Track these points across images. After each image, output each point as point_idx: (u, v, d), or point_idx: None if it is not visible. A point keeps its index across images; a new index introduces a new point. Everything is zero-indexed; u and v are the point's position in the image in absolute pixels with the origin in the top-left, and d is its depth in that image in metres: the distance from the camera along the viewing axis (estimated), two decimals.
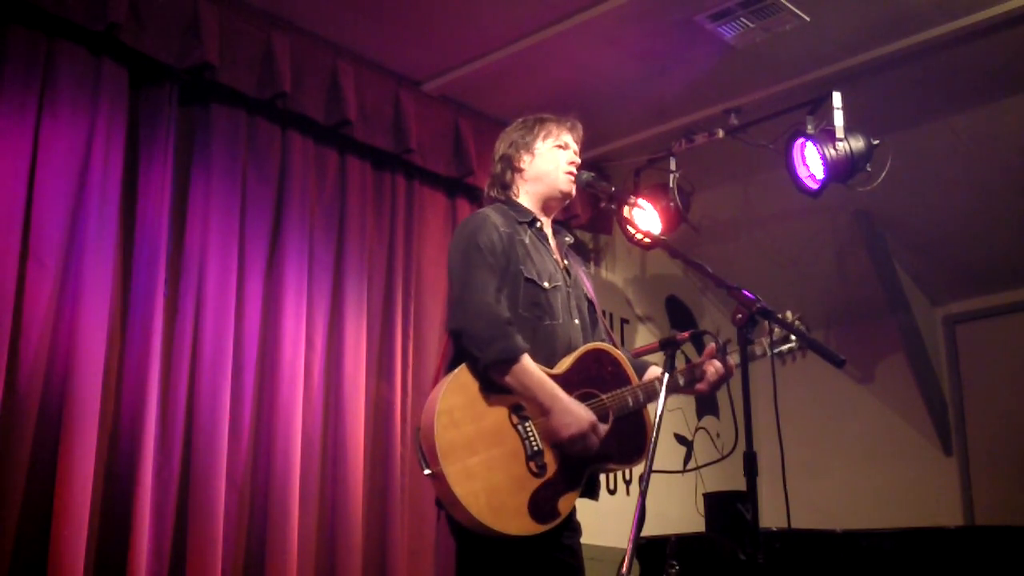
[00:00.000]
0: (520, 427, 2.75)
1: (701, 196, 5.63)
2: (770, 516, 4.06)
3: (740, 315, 2.58)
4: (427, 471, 2.66)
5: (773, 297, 2.85)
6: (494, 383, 2.76)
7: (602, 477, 3.10)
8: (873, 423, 6.19)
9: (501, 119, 4.40)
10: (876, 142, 4.61)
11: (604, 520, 3.86)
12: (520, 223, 3.03)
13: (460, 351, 2.80)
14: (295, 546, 4.02)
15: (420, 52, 4.77)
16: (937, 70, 4.78)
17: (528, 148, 3.14)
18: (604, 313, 4.98)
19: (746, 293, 2.60)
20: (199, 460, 3.85)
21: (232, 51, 4.20)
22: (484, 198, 3.23)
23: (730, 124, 4.99)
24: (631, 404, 2.90)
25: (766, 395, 2.84)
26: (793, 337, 3.08)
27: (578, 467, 2.80)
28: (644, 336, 6.18)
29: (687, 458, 6.12)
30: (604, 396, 2.88)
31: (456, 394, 2.73)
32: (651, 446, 2.53)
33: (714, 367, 2.98)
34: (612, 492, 5.62)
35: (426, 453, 2.67)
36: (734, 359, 2.96)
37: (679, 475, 5.70)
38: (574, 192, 3.16)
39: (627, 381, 2.96)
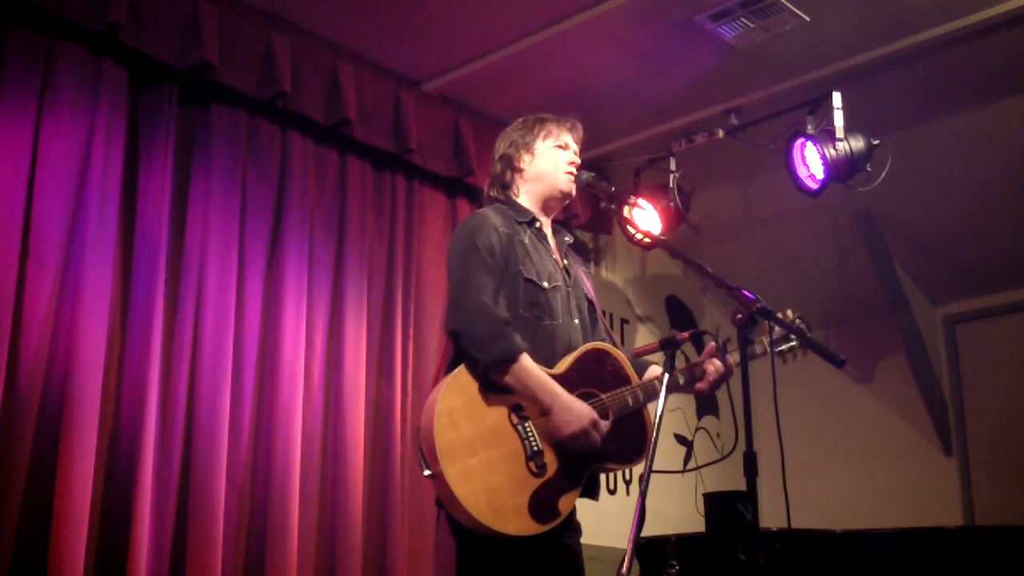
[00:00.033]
0: (520, 427, 2.75)
1: (701, 196, 5.63)
2: (770, 516, 4.06)
3: (740, 315, 2.58)
4: (427, 472, 2.66)
5: (773, 297, 2.85)
6: (493, 384, 2.76)
7: (602, 477, 3.10)
8: (873, 423, 6.19)
9: (501, 119, 4.39)
10: (876, 142, 4.61)
11: (604, 520, 3.86)
12: (519, 223, 3.03)
13: (460, 352, 2.80)
14: (295, 546, 4.02)
15: (420, 52, 4.77)
16: (937, 70, 4.78)
17: (528, 148, 3.14)
18: (604, 313, 4.98)
19: (746, 293, 2.60)
20: (199, 460, 3.85)
21: (232, 51, 4.20)
22: (484, 198, 3.23)
23: (730, 124, 4.99)
24: (631, 404, 2.90)
25: (766, 395, 2.84)
26: (793, 336, 3.08)
27: (578, 467, 2.80)
28: (644, 336, 6.18)
29: (687, 458, 6.13)
30: (604, 396, 2.88)
31: (455, 395, 2.73)
32: (651, 446, 2.53)
33: (714, 366, 2.98)
34: (612, 492, 5.62)
35: (426, 454, 2.67)
36: (734, 358, 2.96)
37: (679, 475, 5.70)
38: (574, 192, 3.16)
39: (627, 381, 2.96)
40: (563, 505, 2.74)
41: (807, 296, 5.85)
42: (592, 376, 2.91)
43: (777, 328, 3.04)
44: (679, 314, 6.49)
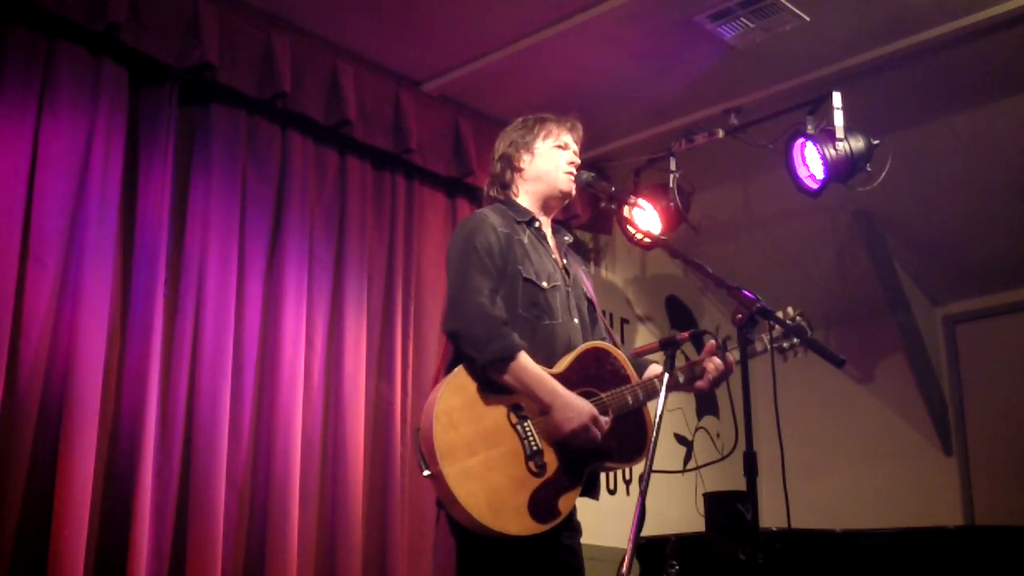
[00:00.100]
0: (519, 427, 2.75)
1: (701, 196, 5.63)
2: (770, 516, 4.06)
3: (740, 315, 2.58)
4: (426, 472, 2.66)
5: (773, 297, 2.85)
6: (492, 383, 2.76)
7: (602, 476, 3.10)
8: (873, 423, 6.19)
9: (501, 119, 4.39)
10: (876, 142, 4.61)
11: (604, 520, 3.86)
12: (519, 223, 3.03)
13: (459, 352, 2.80)
14: (295, 546, 4.02)
15: (420, 52, 4.77)
16: (937, 70, 4.78)
17: (528, 148, 3.14)
18: (604, 313, 4.98)
19: (746, 293, 2.60)
20: (199, 460, 3.85)
21: (232, 51, 4.20)
22: (484, 198, 3.23)
23: (730, 124, 4.99)
24: (631, 402, 2.90)
25: (766, 395, 2.84)
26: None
27: (578, 466, 2.80)
28: (644, 336, 6.18)
29: (687, 458, 6.12)
30: (604, 395, 2.88)
31: (454, 395, 2.73)
32: (651, 446, 2.53)
33: (714, 364, 2.98)
34: (612, 492, 5.62)
35: (425, 454, 2.67)
36: (734, 356, 2.96)
37: (679, 475, 5.70)
38: (574, 192, 3.16)
39: (627, 380, 2.96)
40: (563, 505, 2.74)
41: (807, 296, 5.85)
42: (592, 375, 2.91)
43: (777, 327, 3.04)
44: (679, 314, 6.49)
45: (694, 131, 5.10)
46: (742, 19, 4.46)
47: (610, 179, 5.47)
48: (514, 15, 4.47)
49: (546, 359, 2.85)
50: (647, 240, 5.43)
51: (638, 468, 2.88)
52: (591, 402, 2.82)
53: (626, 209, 5.18)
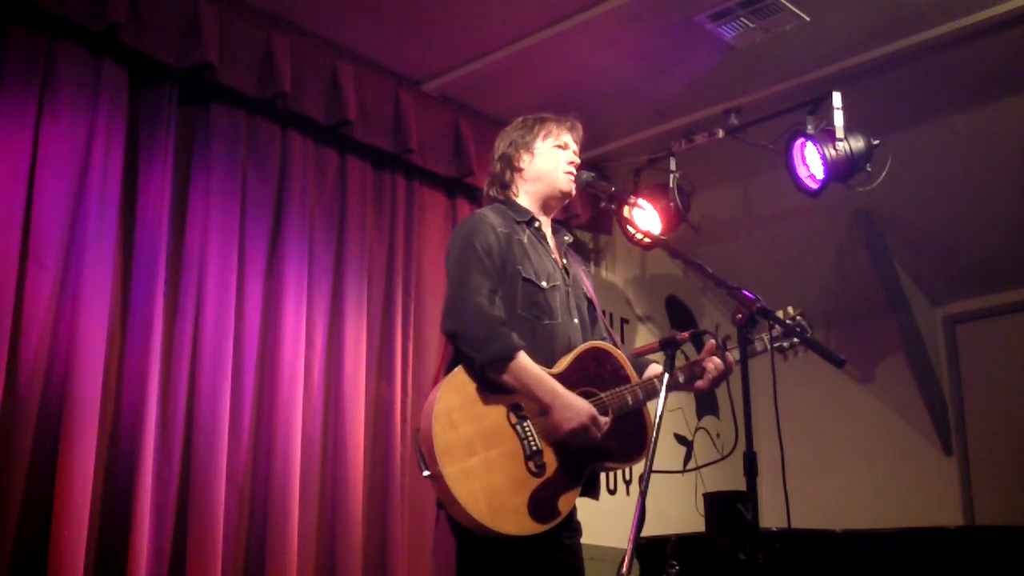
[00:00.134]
0: (519, 427, 2.75)
1: (701, 196, 5.63)
2: (770, 516, 4.06)
3: (740, 315, 2.58)
4: (426, 473, 2.66)
5: (773, 297, 2.85)
6: (492, 383, 2.76)
7: (602, 476, 3.10)
8: (873, 423, 6.19)
9: (501, 119, 4.39)
10: (876, 142, 4.61)
11: (604, 520, 3.86)
12: (518, 223, 3.03)
13: (459, 352, 2.80)
14: (295, 546, 4.02)
15: (420, 52, 4.77)
16: (937, 70, 4.78)
17: (528, 148, 3.14)
18: (604, 313, 4.98)
19: (746, 293, 2.60)
20: (199, 460, 3.86)
21: (232, 51, 4.20)
22: (483, 197, 3.23)
23: (730, 124, 4.99)
24: (631, 402, 2.90)
25: (766, 395, 2.84)
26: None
27: (578, 466, 2.80)
28: (644, 336, 6.18)
29: (687, 458, 6.12)
30: (603, 394, 2.88)
31: (454, 395, 2.73)
32: (651, 446, 2.53)
33: (714, 364, 2.98)
34: (612, 492, 5.62)
35: (425, 455, 2.67)
36: (734, 356, 2.96)
37: (679, 475, 5.70)
38: (574, 192, 3.16)
39: (626, 380, 2.96)
40: (563, 505, 2.74)
41: (807, 296, 5.85)
42: (591, 375, 2.91)
43: (777, 327, 3.04)
44: (679, 314, 6.49)
45: (694, 131, 5.11)
46: (742, 19, 4.46)
47: (610, 179, 5.47)
48: (514, 15, 4.47)
49: (546, 359, 2.85)
50: (647, 240, 5.43)
51: (638, 468, 2.88)
52: (591, 402, 2.82)
53: (626, 209, 5.18)
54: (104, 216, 3.78)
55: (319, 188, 4.59)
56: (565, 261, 3.12)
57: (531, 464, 2.73)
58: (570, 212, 5.25)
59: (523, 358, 2.75)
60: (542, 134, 3.14)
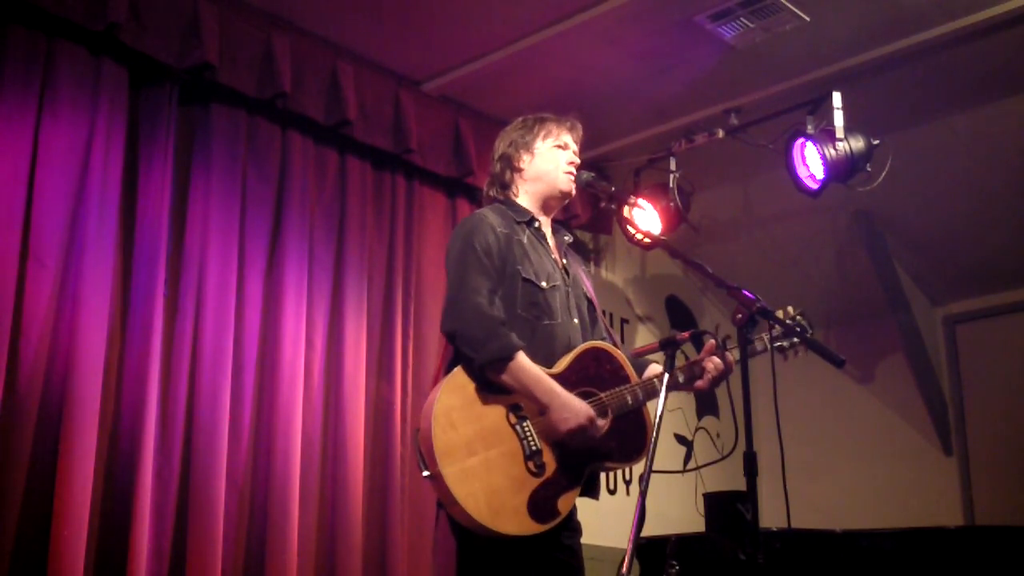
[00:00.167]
0: (518, 427, 2.75)
1: (701, 196, 5.63)
2: (770, 516, 4.06)
3: (740, 315, 2.58)
4: (426, 473, 2.66)
5: (773, 297, 2.85)
6: (491, 383, 2.76)
7: (602, 476, 3.10)
8: (873, 423, 6.19)
9: (501, 119, 4.39)
10: (876, 142, 4.61)
11: (604, 520, 3.86)
12: (518, 223, 3.03)
13: (458, 352, 2.80)
14: (295, 546, 4.02)
15: (420, 52, 4.77)
16: (937, 70, 4.78)
17: (528, 148, 3.13)
18: (604, 313, 4.98)
19: (746, 293, 2.60)
20: (199, 460, 3.86)
21: (232, 51, 4.20)
22: (483, 197, 3.23)
23: (730, 124, 4.99)
24: (630, 402, 2.90)
25: (766, 395, 2.84)
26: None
27: (577, 466, 2.80)
28: (644, 336, 6.18)
29: (687, 458, 6.12)
30: (603, 394, 2.88)
31: (453, 395, 2.73)
32: (651, 446, 2.53)
33: (713, 363, 2.98)
34: (612, 492, 5.62)
35: (424, 455, 2.67)
36: (733, 355, 2.96)
37: (679, 475, 5.70)
38: (574, 192, 3.16)
39: (626, 380, 2.96)
40: (562, 505, 2.74)
41: (807, 296, 5.85)
42: (591, 375, 2.91)
43: (777, 327, 3.04)
44: (679, 314, 6.49)
45: (694, 131, 5.10)
46: (742, 19, 4.46)
47: (610, 179, 5.47)
48: (514, 15, 4.47)
49: (545, 359, 2.85)
50: (647, 240, 5.43)
51: (638, 468, 2.88)
52: (590, 402, 2.82)
53: (626, 209, 5.17)
54: (104, 216, 3.78)
55: (319, 188, 4.59)
56: (565, 261, 3.12)
57: (531, 464, 2.73)
58: (570, 212, 5.25)
59: (522, 358, 2.75)
60: (542, 134, 3.14)
